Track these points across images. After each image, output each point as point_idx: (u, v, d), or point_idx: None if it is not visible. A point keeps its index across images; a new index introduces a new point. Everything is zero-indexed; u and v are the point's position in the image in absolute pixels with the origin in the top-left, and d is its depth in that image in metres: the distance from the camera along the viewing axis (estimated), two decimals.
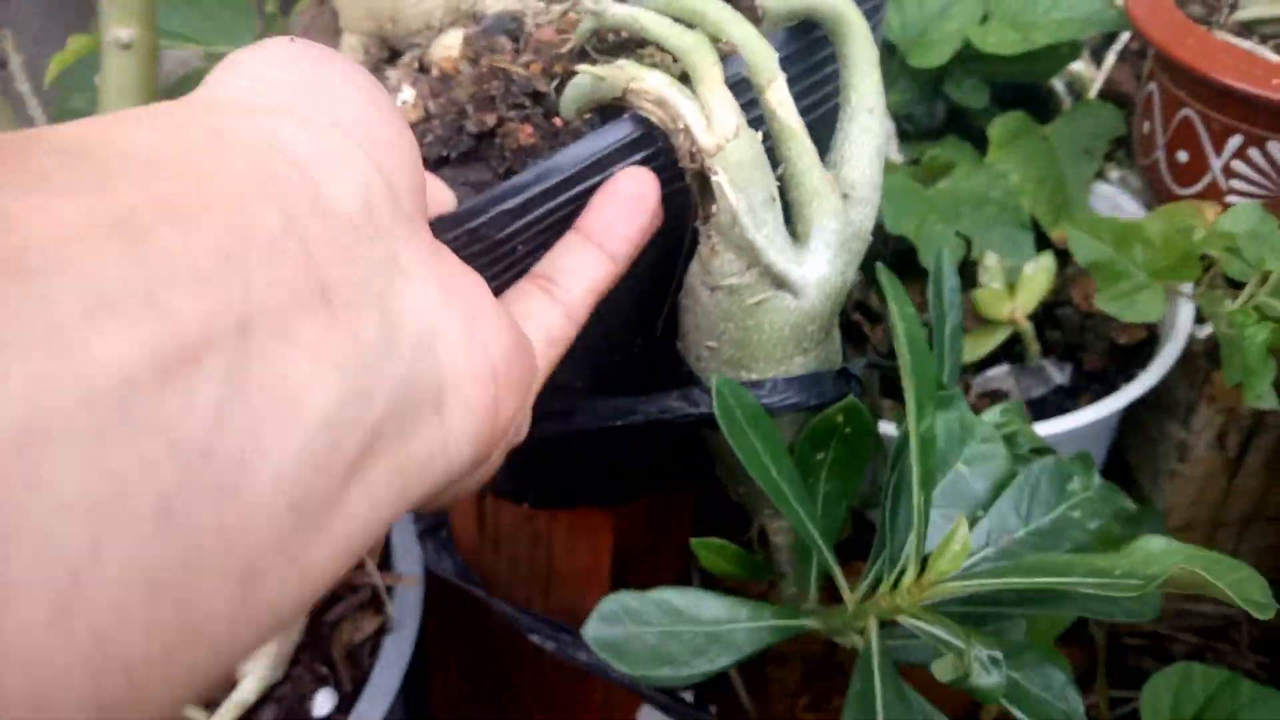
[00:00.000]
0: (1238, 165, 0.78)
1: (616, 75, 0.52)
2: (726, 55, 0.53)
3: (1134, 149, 0.92)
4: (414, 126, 0.58)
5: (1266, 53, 0.76)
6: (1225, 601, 0.40)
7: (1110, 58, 1.03)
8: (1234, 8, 0.82)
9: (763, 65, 0.53)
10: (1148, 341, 0.81)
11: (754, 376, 0.56)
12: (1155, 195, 0.87)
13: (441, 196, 0.52)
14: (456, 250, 0.37)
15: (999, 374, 0.82)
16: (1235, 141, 0.77)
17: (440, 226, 0.49)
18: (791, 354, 0.56)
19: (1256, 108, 0.74)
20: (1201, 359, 0.79)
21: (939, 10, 0.93)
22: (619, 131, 0.52)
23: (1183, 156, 0.82)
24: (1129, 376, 0.78)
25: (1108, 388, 0.78)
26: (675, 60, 0.54)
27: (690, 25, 0.54)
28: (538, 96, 0.56)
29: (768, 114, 0.53)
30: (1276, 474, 0.82)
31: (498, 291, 0.41)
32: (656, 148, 0.53)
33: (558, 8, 0.62)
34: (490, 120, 0.55)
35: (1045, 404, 0.81)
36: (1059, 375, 0.81)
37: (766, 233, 0.51)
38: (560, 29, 0.62)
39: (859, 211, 0.55)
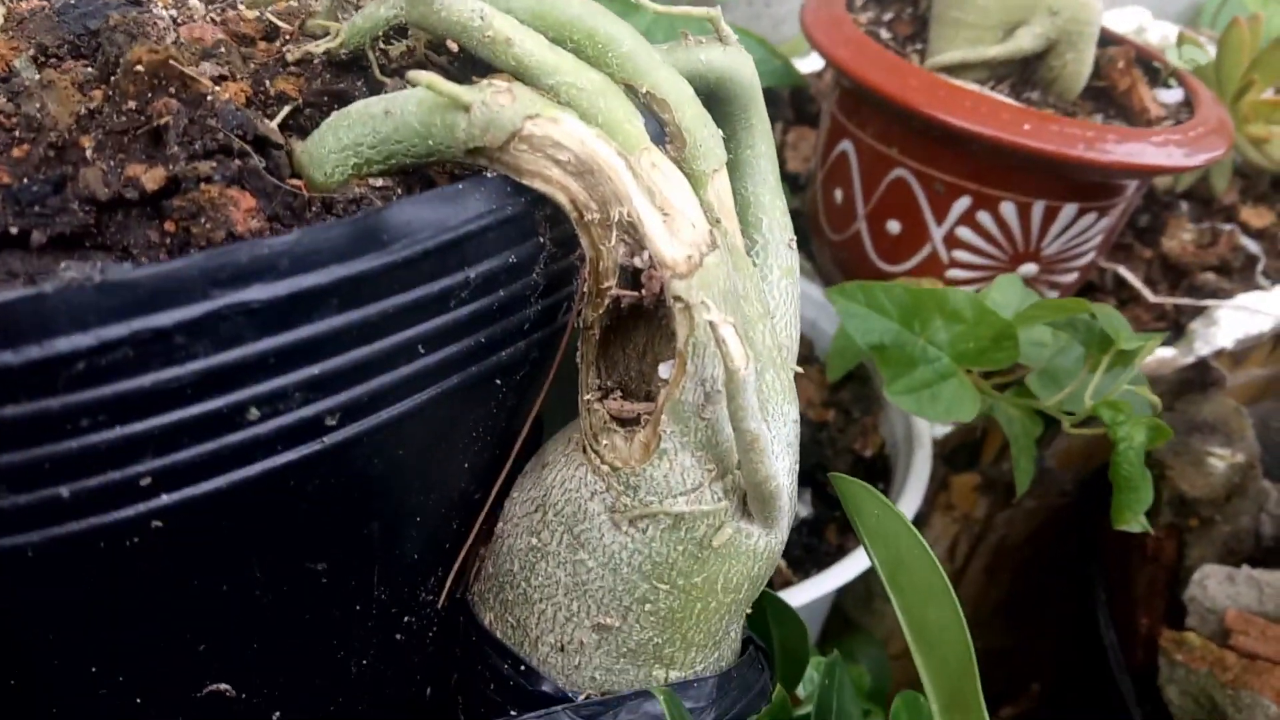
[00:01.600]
0: (964, 233, 0.70)
1: (496, 103, 0.26)
2: None
3: (810, 223, 0.82)
4: None
5: (1001, 96, 0.69)
6: None
7: None
8: (923, 53, 0.74)
9: (708, 146, 0.31)
10: (882, 448, 0.71)
11: (677, 674, 0.32)
12: (852, 274, 0.78)
13: None
14: None
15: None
16: (962, 205, 0.69)
17: None
18: (728, 627, 0.33)
19: (995, 162, 0.66)
20: (936, 462, 0.70)
21: None
22: (479, 202, 0.26)
23: (894, 227, 0.73)
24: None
25: None
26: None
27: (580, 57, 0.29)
28: (261, 143, 0.27)
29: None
30: (994, 576, 0.78)
31: None
32: (524, 248, 0.28)
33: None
34: (148, 176, 0.25)
35: (789, 544, 0.67)
36: (799, 507, 0.67)
37: (760, 421, 0.28)
38: (267, 18, 0.32)
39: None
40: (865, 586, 0.76)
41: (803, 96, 1.03)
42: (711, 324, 0.27)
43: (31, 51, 0.31)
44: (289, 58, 0.31)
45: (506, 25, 0.29)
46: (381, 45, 0.32)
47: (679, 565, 0.30)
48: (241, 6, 0.37)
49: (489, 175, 0.28)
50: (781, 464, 0.32)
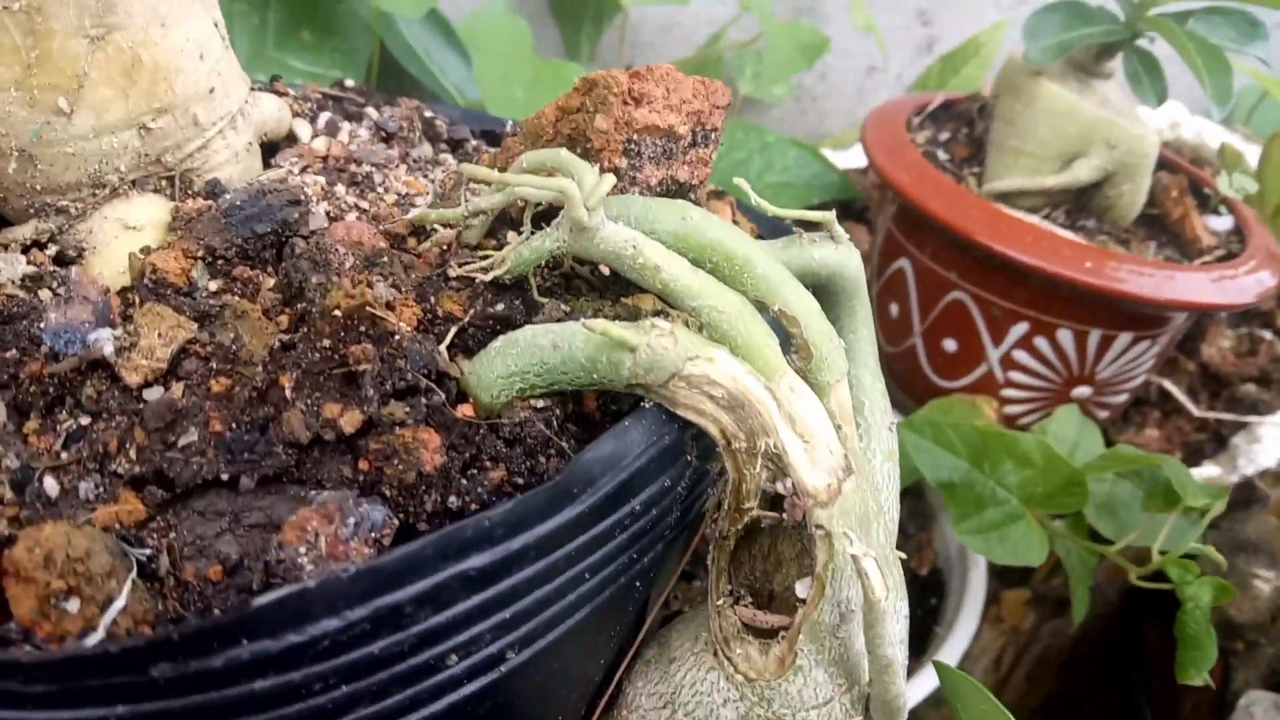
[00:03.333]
0: (1020, 356, 0.72)
1: (660, 346, 0.28)
2: None
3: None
4: (131, 394, 0.27)
5: (1057, 229, 0.71)
6: None
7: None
8: (979, 176, 0.77)
9: (832, 359, 0.33)
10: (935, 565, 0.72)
11: None
12: (906, 387, 0.80)
13: None
14: None
15: None
16: (1019, 330, 0.71)
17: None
18: None
19: (1053, 293, 0.68)
20: (990, 578, 0.72)
21: None
22: (642, 437, 0.28)
23: (950, 345, 0.75)
24: (928, 611, 0.68)
25: (913, 631, 0.68)
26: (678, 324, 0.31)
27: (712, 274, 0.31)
28: (440, 377, 0.29)
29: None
30: (1036, 684, 0.79)
31: None
32: (675, 470, 0.30)
33: (405, 181, 0.34)
34: (346, 420, 0.27)
35: None
36: None
37: (895, 647, 0.30)
38: (426, 239, 0.34)
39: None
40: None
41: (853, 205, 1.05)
42: (855, 557, 0.29)
43: (202, 254, 0.33)
44: (450, 274, 0.33)
45: (656, 254, 0.31)
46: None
47: None
48: (380, 189, 0.39)
49: (646, 406, 0.30)
50: (904, 672, 0.33)
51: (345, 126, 0.42)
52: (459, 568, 0.23)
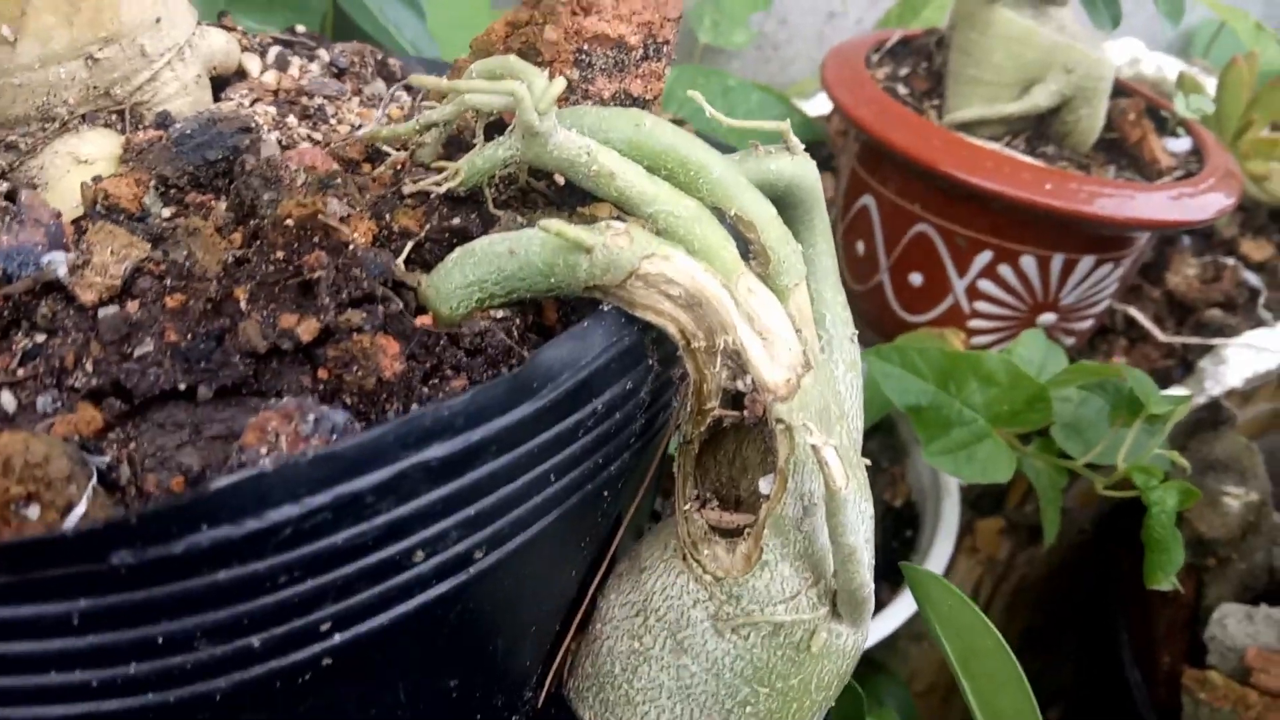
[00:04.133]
0: (985, 285, 0.72)
1: (616, 245, 0.28)
2: None
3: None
4: (86, 312, 0.27)
5: (1018, 155, 0.71)
6: None
7: None
8: (939, 109, 0.77)
9: (790, 262, 0.33)
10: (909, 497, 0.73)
11: None
12: (874, 324, 0.80)
13: None
14: None
15: None
16: (984, 259, 0.72)
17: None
18: None
19: (1016, 218, 0.69)
20: (962, 507, 0.73)
21: None
22: (602, 338, 0.28)
23: (916, 279, 0.75)
24: (903, 544, 0.69)
25: (888, 562, 0.69)
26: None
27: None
28: (398, 287, 0.29)
29: None
30: (1015, 613, 0.80)
31: None
32: (637, 373, 0.30)
33: (358, 112, 0.34)
34: (303, 328, 0.27)
35: None
36: None
37: (857, 535, 0.31)
38: (380, 164, 0.34)
39: None
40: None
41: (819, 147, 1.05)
42: (814, 447, 0.29)
43: (154, 182, 0.33)
44: (405, 190, 0.33)
45: (610, 160, 0.31)
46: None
47: (778, 669, 0.32)
48: (333, 120, 0.39)
49: (605, 309, 0.30)
50: (869, 566, 0.34)
51: (296, 61, 0.42)
52: (419, 457, 0.23)
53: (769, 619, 0.31)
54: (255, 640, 0.23)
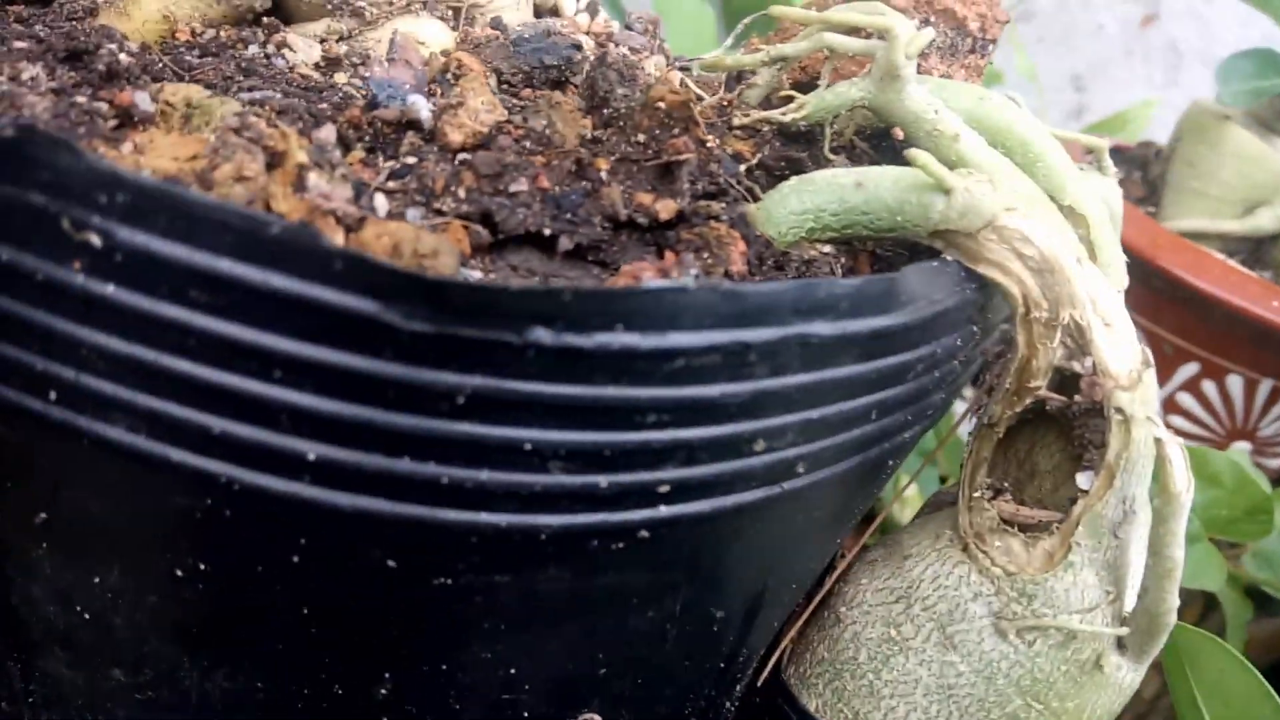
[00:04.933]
0: (1185, 400, 0.69)
1: (980, 190, 0.27)
2: None
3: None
4: (449, 153, 0.26)
5: (1238, 266, 0.68)
6: None
7: None
8: (1154, 217, 0.75)
9: (1116, 266, 0.31)
10: None
11: None
12: None
13: None
14: None
15: None
16: (1188, 370, 0.68)
17: None
18: None
19: (1233, 332, 0.65)
20: None
21: None
22: (950, 282, 0.26)
23: None
24: None
25: None
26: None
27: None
28: (750, 193, 0.28)
29: None
30: None
31: None
32: (963, 334, 0.28)
33: (727, 57, 0.33)
34: (661, 206, 0.26)
35: None
36: None
37: (1184, 551, 0.28)
38: (725, 94, 0.34)
39: None
40: None
41: None
42: (1159, 440, 0.27)
43: (490, 74, 0.33)
44: (735, 122, 0.32)
45: (955, 122, 0.30)
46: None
47: (1058, 686, 0.29)
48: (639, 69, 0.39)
49: (947, 259, 0.28)
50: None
51: (602, 14, 0.42)
52: (804, 328, 0.22)
53: (1061, 626, 0.29)
54: (603, 480, 0.21)
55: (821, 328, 0.22)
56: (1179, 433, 0.70)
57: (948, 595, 0.30)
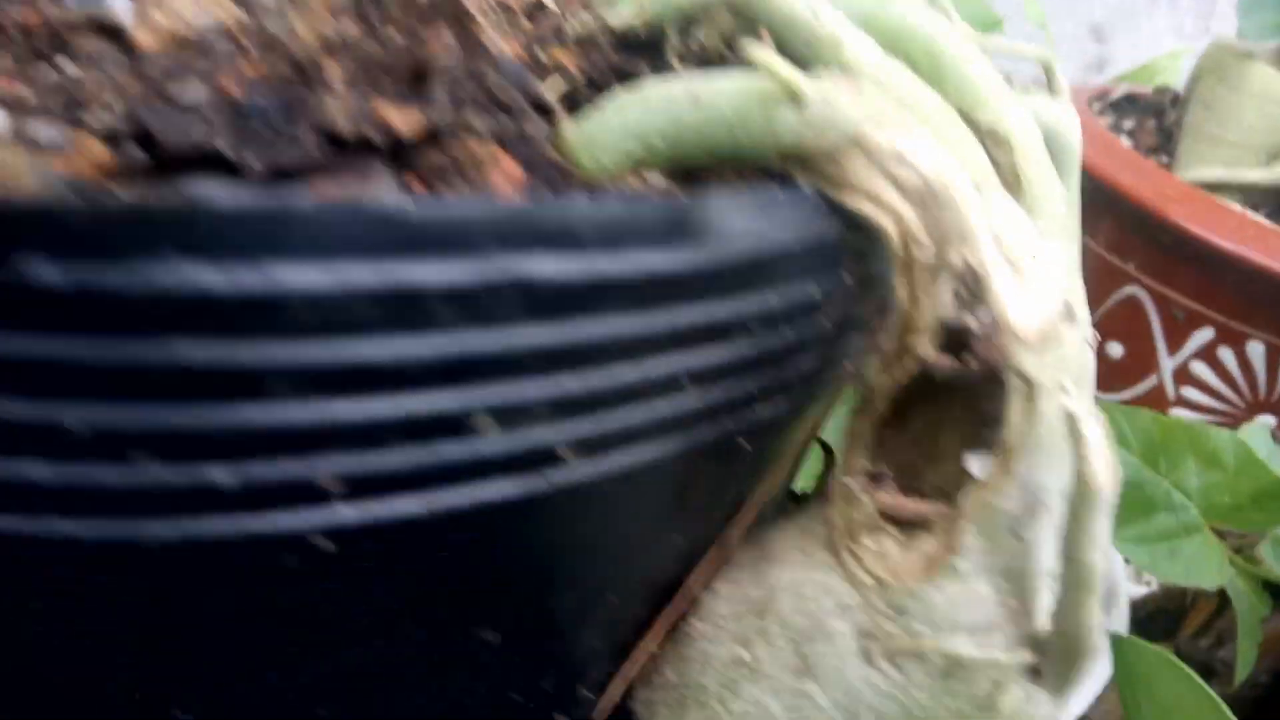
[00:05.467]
0: (1199, 369, 0.62)
1: (839, 99, 0.20)
2: None
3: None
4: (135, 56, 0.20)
5: (1266, 222, 0.61)
6: None
7: None
8: (1168, 167, 0.67)
9: (1050, 203, 0.25)
10: None
11: None
12: None
13: None
14: None
15: None
16: (1203, 336, 0.61)
17: None
18: None
19: (1252, 293, 0.58)
20: (1131, 627, 0.61)
21: None
22: (796, 217, 0.20)
23: (1116, 350, 0.65)
24: None
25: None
26: None
27: None
28: (541, 109, 0.22)
29: None
30: None
31: None
32: (824, 284, 0.22)
33: None
34: (403, 120, 0.20)
35: None
36: None
37: (1105, 559, 0.22)
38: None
39: None
40: None
41: None
42: (1072, 416, 0.21)
43: None
44: (568, 30, 0.26)
45: (840, 24, 0.24)
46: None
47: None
48: None
49: (802, 188, 0.22)
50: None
51: None
52: (519, 266, 0.16)
53: (945, 650, 0.22)
54: (224, 474, 0.15)
55: (550, 265, 0.16)
56: (1193, 407, 0.63)
57: (807, 608, 0.24)
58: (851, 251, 0.23)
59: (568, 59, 0.25)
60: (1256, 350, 0.60)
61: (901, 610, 0.23)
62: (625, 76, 0.25)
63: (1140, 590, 0.65)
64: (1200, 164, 0.65)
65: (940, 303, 0.22)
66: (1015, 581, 0.23)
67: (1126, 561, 0.50)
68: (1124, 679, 0.28)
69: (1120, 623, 0.61)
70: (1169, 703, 0.26)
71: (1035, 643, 0.24)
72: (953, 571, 0.22)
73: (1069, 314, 0.22)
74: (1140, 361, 0.64)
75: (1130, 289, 0.63)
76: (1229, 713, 0.25)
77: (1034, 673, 0.24)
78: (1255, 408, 0.62)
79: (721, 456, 0.24)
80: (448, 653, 0.22)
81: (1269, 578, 0.51)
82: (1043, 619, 0.23)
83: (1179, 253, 0.59)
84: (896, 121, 0.21)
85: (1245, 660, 0.53)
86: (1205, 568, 0.46)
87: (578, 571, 0.23)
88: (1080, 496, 0.20)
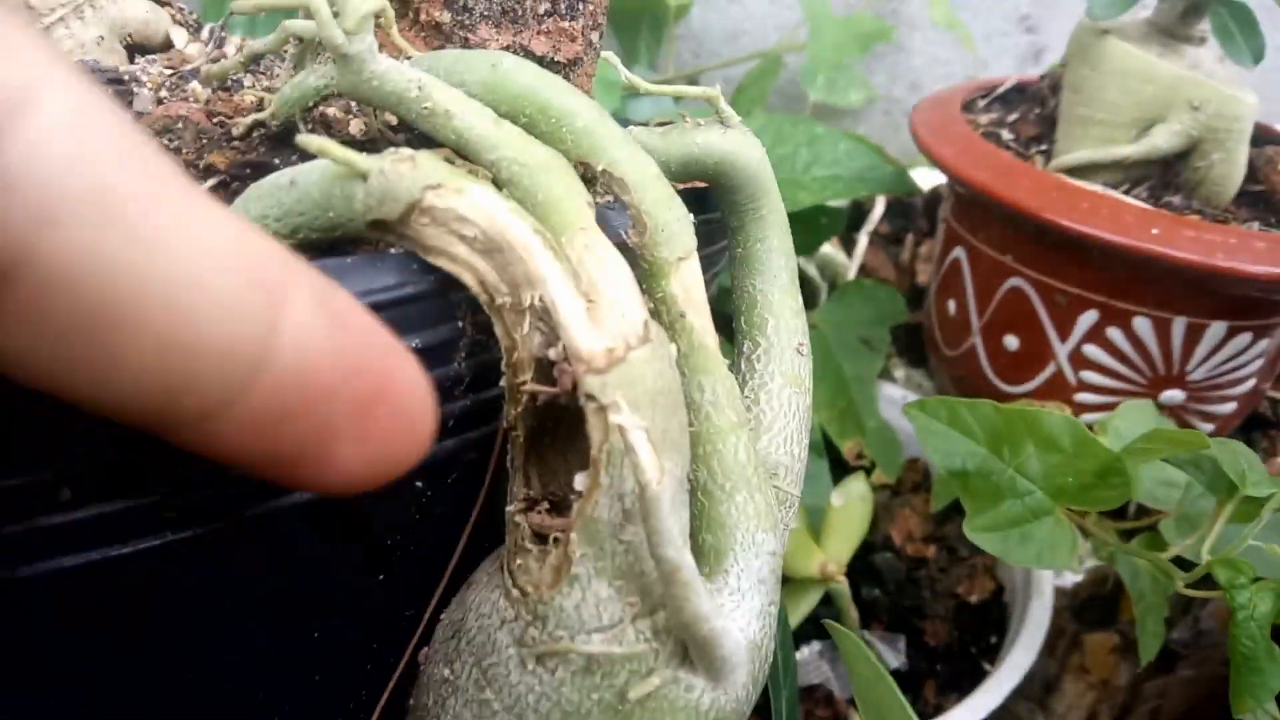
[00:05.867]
0: (1092, 351, 0.62)
1: (395, 172, 0.23)
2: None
3: (927, 338, 0.76)
4: None
5: (1128, 199, 0.62)
6: None
7: (862, 239, 0.89)
8: (1048, 154, 0.68)
9: (671, 230, 0.27)
10: (997, 594, 0.63)
11: None
12: (969, 396, 0.71)
13: None
14: None
15: (809, 658, 0.58)
16: (1088, 319, 0.62)
17: None
18: None
19: (1122, 271, 0.59)
20: (1066, 616, 0.61)
21: None
22: (384, 274, 0.23)
23: (1012, 342, 0.66)
24: (984, 649, 0.59)
25: (960, 670, 0.58)
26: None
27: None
28: None
29: (668, 316, 0.27)
30: None
31: None
32: (438, 333, 0.25)
33: (211, 66, 0.31)
34: None
35: None
36: (891, 656, 0.59)
37: (680, 549, 0.24)
38: (218, 101, 0.31)
39: (788, 515, 0.30)
40: None
41: (937, 208, 0.97)
42: (621, 428, 0.23)
43: None
44: (234, 132, 0.29)
45: (446, 97, 0.27)
46: (338, 116, 0.31)
47: (594, 718, 0.25)
48: (244, 92, 0.37)
49: (392, 251, 0.25)
50: (738, 604, 0.26)
51: (235, 41, 0.40)
52: None
53: (579, 649, 0.25)
54: None
55: None
56: (1096, 389, 0.63)
57: (484, 625, 0.26)
58: (469, 303, 0.26)
59: (221, 160, 0.28)
60: (1144, 326, 0.61)
61: (541, 618, 0.25)
62: (257, 170, 0.28)
63: (1072, 578, 0.65)
64: (1075, 147, 0.66)
65: (530, 340, 0.25)
66: (634, 580, 0.25)
67: None
68: (847, 661, 0.29)
69: (1044, 609, 0.61)
70: (864, 687, 0.28)
71: (692, 641, 0.25)
72: (574, 579, 0.25)
73: (645, 338, 0.24)
74: (1036, 351, 0.64)
75: (1014, 281, 0.64)
76: (902, 699, 0.26)
77: (689, 662, 0.26)
78: (1160, 383, 0.63)
79: (396, 496, 0.27)
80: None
81: (1182, 555, 0.51)
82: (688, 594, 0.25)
83: (1045, 241, 0.60)
84: (453, 183, 0.24)
85: (1150, 638, 0.53)
86: (1057, 550, 0.46)
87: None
88: (641, 499, 0.22)
